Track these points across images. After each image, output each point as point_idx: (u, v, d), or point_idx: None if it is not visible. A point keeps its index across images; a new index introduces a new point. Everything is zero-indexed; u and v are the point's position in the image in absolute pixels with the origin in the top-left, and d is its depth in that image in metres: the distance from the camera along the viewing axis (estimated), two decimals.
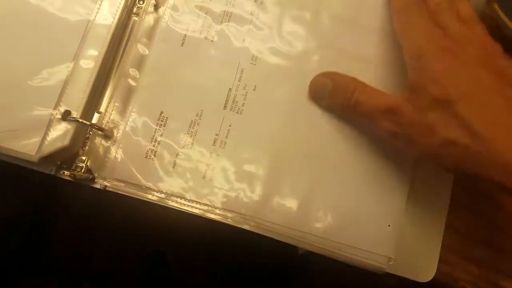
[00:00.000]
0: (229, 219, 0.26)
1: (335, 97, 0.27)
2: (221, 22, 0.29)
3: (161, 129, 0.27)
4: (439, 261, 0.27)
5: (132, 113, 0.27)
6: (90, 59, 0.27)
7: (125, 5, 0.28)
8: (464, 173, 0.23)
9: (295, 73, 0.28)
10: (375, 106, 0.25)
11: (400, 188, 0.27)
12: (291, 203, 0.27)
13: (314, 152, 0.27)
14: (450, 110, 0.22)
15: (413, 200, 0.28)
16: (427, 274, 0.27)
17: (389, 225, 0.27)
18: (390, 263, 0.26)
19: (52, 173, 0.26)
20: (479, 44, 0.24)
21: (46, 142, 0.25)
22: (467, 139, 0.21)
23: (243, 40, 0.29)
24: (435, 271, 0.27)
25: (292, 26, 0.29)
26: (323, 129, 0.28)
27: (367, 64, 0.28)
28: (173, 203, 0.26)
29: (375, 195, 0.27)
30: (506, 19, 0.27)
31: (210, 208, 0.26)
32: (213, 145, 0.27)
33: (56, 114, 0.26)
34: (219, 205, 0.26)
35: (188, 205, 0.26)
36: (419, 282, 0.27)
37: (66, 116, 0.26)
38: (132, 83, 0.28)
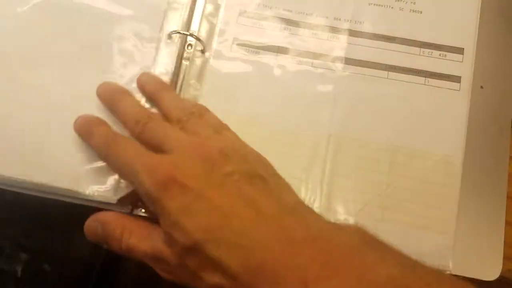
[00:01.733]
0: None
1: (110, 243, 0.24)
2: (257, 53, 0.32)
3: None
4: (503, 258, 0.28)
5: None
6: None
7: (178, 53, 0.31)
8: None
9: None
10: (145, 252, 0.23)
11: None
12: None
13: None
14: (202, 254, 0.19)
15: (469, 197, 0.29)
16: (492, 271, 0.28)
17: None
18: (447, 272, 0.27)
19: (129, 211, 0.28)
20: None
21: (121, 184, 0.28)
22: (229, 282, 0.19)
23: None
24: (501, 268, 0.28)
25: None
26: None
27: None
28: None
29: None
30: None
31: None
32: None
33: None
34: None
35: None
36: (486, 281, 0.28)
37: None
38: None
